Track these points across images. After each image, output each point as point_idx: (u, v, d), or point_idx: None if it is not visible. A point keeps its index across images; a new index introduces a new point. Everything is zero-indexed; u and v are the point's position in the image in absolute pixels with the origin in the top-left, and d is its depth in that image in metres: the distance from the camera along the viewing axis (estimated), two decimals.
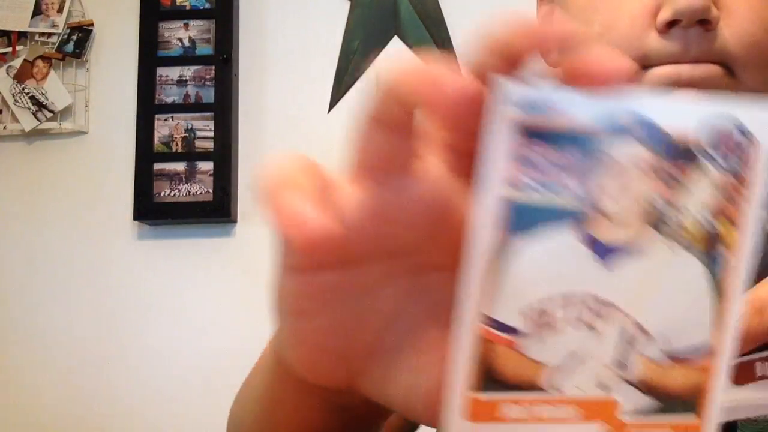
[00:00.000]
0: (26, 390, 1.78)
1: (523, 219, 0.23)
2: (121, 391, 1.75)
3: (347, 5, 1.82)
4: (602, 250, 0.24)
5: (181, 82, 1.80)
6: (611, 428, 0.25)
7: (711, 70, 0.52)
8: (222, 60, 1.79)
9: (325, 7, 1.82)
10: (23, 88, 1.82)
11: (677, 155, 0.23)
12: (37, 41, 1.85)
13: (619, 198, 0.24)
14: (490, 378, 0.24)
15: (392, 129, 0.24)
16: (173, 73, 1.80)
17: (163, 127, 1.79)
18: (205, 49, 1.81)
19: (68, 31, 1.84)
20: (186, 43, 1.81)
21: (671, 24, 0.52)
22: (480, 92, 0.23)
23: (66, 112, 1.83)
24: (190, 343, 1.75)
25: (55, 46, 1.84)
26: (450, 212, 0.25)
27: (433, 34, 1.80)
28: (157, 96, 1.79)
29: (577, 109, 0.23)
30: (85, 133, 1.84)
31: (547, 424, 0.24)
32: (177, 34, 1.82)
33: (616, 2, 0.55)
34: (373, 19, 1.81)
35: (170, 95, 1.80)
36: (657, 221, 0.24)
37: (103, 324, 1.78)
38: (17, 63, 1.83)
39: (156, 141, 1.78)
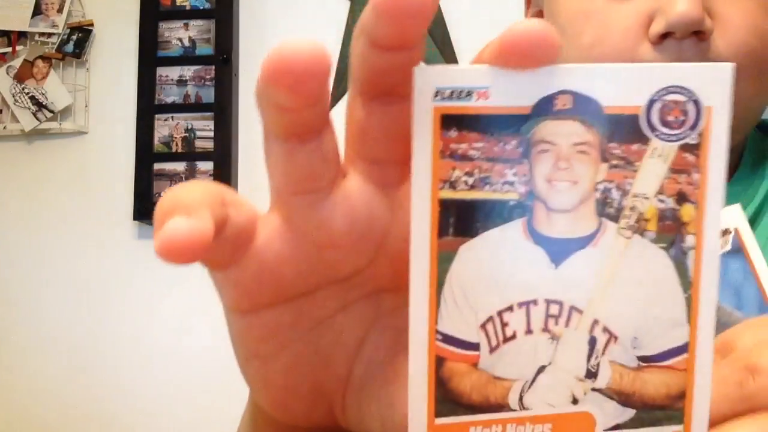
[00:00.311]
0: (26, 389, 1.78)
1: (464, 220, 0.21)
2: (121, 390, 1.75)
3: (347, 5, 1.82)
4: (552, 247, 0.22)
5: (181, 82, 1.80)
6: None
7: None
8: (222, 60, 1.79)
9: (325, 7, 1.82)
10: (23, 88, 1.82)
11: (622, 133, 0.21)
12: (37, 41, 1.85)
13: (564, 187, 0.21)
14: (452, 400, 0.22)
15: (296, 143, 0.22)
16: (173, 73, 1.80)
17: (163, 127, 1.79)
18: (205, 49, 1.81)
19: (68, 31, 1.84)
20: (186, 43, 1.81)
21: (665, 36, 0.51)
22: (323, 52, 0.20)
23: (66, 112, 1.83)
24: (190, 343, 1.75)
25: (55, 46, 1.84)
26: (382, 227, 0.24)
27: (433, 34, 1.80)
28: (157, 96, 1.79)
29: (507, 90, 0.20)
30: (85, 133, 1.84)
31: None
32: (177, 34, 1.82)
33: (607, 14, 0.54)
34: None
35: (170, 95, 1.80)
36: (608, 209, 0.21)
37: (103, 324, 1.78)
38: (17, 63, 1.83)
39: (156, 141, 1.78)
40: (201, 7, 1.82)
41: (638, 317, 0.22)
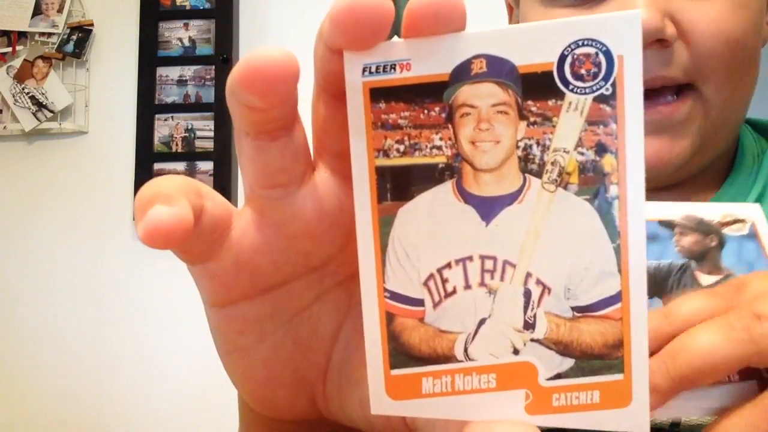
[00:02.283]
0: (25, 389, 1.78)
1: (399, 185, 0.23)
2: (121, 390, 1.75)
3: None
4: (481, 205, 0.23)
5: (181, 82, 1.80)
6: (533, 394, 0.23)
7: (678, 107, 0.52)
8: (222, 60, 1.79)
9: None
10: (23, 88, 1.82)
11: (538, 90, 0.22)
12: (37, 41, 1.85)
13: (487, 147, 0.22)
14: (404, 353, 0.23)
15: (267, 140, 0.24)
16: (173, 73, 1.80)
17: (163, 127, 1.79)
18: (205, 49, 1.81)
19: (68, 31, 1.84)
20: (186, 43, 1.82)
21: None
22: (293, 61, 0.22)
23: (66, 112, 1.83)
24: (190, 343, 1.75)
25: (55, 46, 1.84)
26: (350, 215, 0.25)
27: None
28: (157, 96, 1.79)
29: (427, 60, 0.22)
30: (85, 133, 1.84)
31: (468, 395, 0.23)
32: (177, 34, 1.82)
33: None
34: None
35: (170, 95, 1.80)
36: (531, 165, 0.22)
37: (103, 323, 1.78)
38: (17, 63, 1.84)
39: (156, 141, 1.79)
40: (201, 7, 1.82)
41: (569, 269, 0.23)
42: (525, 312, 0.23)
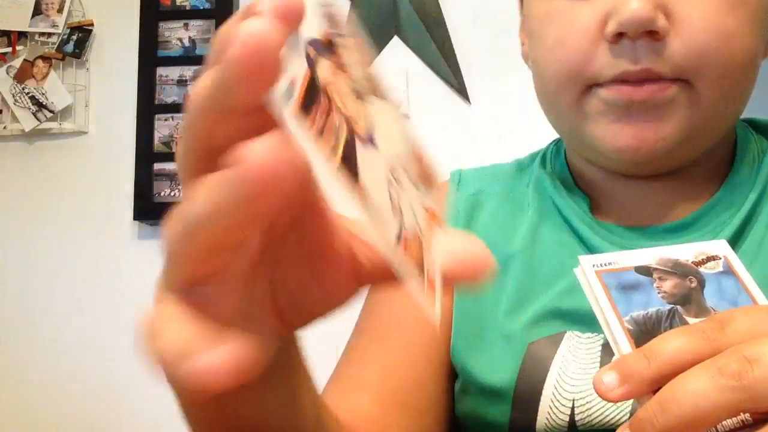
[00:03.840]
0: (26, 389, 1.78)
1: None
2: (121, 390, 1.75)
3: (347, 5, 1.82)
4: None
5: (181, 82, 1.80)
6: None
7: (665, 87, 0.51)
8: None
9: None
10: (23, 88, 1.82)
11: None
12: (37, 41, 1.85)
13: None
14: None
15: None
16: (173, 73, 1.80)
17: (163, 127, 1.79)
18: (205, 49, 1.81)
19: (68, 31, 1.84)
20: (186, 43, 1.82)
21: (621, 35, 0.51)
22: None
23: (66, 112, 1.83)
24: None
25: (55, 46, 1.84)
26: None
27: (433, 34, 1.80)
28: (157, 96, 1.80)
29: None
30: (85, 133, 1.84)
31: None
32: (177, 34, 1.82)
33: (568, 15, 0.54)
34: (373, 19, 1.81)
35: (170, 95, 1.80)
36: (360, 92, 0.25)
37: (103, 324, 1.78)
38: (17, 63, 1.84)
39: (156, 141, 1.79)
40: (201, 7, 1.82)
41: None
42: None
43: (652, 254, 0.38)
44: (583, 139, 0.56)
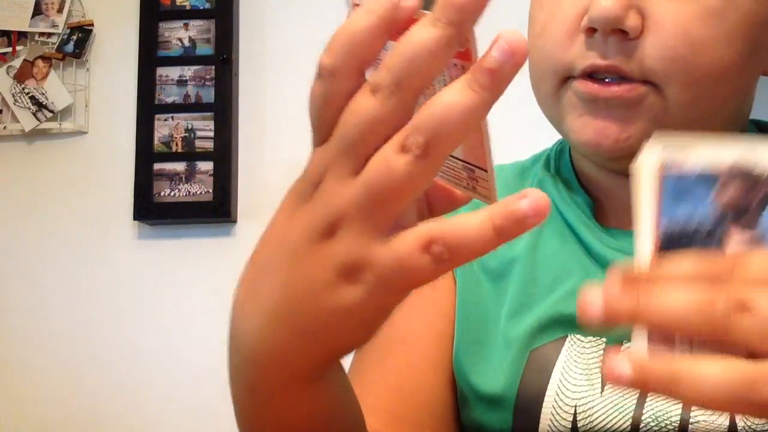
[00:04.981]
0: (26, 389, 1.78)
1: None
2: (122, 390, 1.75)
3: (347, 5, 1.82)
4: None
5: (181, 82, 1.80)
6: None
7: (633, 88, 0.51)
8: (222, 60, 1.79)
9: (325, 7, 1.82)
10: (23, 88, 1.82)
11: None
12: (37, 41, 1.85)
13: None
14: None
15: None
16: (173, 73, 1.80)
17: (163, 127, 1.79)
18: (205, 49, 1.81)
19: (68, 31, 1.84)
20: (186, 43, 1.81)
21: (593, 30, 0.51)
22: None
23: (66, 112, 1.82)
24: (190, 343, 1.75)
25: (55, 46, 1.83)
26: None
27: None
28: (157, 96, 1.79)
29: None
30: (85, 133, 1.84)
31: None
32: (177, 34, 1.82)
33: (555, 3, 0.55)
34: None
35: (170, 95, 1.80)
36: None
37: (103, 323, 1.78)
38: (17, 63, 1.83)
39: (156, 141, 1.78)
40: (201, 7, 1.82)
41: None
42: None
43: (731, 152, 0.33)
44: (561, 130, 0.57)
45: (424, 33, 0.29)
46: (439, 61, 0.30)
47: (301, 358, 0.34)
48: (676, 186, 0.33)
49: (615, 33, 0.51)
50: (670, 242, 0.32)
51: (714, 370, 0.27)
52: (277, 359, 0.35)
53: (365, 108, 0.30)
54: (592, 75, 0.53)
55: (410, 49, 0.29)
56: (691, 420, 0.50)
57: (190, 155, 1.77)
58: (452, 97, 0.29)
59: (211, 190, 1.75)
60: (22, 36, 1.85)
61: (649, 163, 0.33)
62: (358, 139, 0.30)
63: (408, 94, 0.30)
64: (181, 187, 1.76)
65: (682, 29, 0.51)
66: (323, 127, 0.32)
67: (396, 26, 0.30)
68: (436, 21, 0.29)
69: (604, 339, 0.53)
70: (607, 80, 0.52)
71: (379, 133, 0.30)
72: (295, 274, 0.33)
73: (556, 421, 0.52)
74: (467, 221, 0.30)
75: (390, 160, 0.30)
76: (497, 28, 0.30)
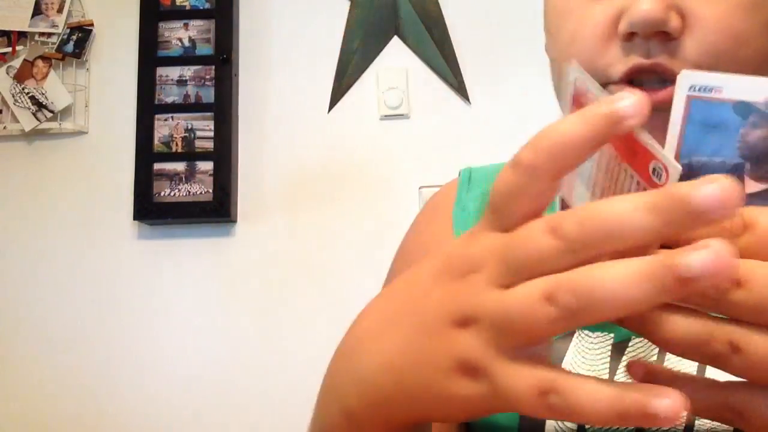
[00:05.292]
0: (27, 388, 1.78)
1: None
2: (122, 389, 1.75)
3: (347, 5, 1.82)
4: None
5: (181, 82, 1.80)
6: None
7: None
8: (222, 60, 1.79)
9: (325, 7, 1.82)
10: (23, 88, 1.82)
11: None
12: (37, 41, 1.85)
13: None
14: None
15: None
16: (173, 73, 1.80)
17: (163, 127, 1.79)
18: (205, 49, 1.81)
19: (68, 31, 1.84)
20: (186, 43, 1.82)
21: (632, 35, 0.51)
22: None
23: (66, 112, 1.83)
24: (190, 342, 1.75)
25: (55, 46, 1.84)
26: None
27: (433, 34, 1.80)
28: (157, 96, 1.80)
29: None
30: (85, 133, 1.84)
31: None
32: (177, 34, 1.82)
33: (583, 12, 0.54)
34: (373, 19, 1.81)
35: (170, 95, 1.80)
36: None
37: (103, 323, 1.78)
38: (17, 63, 1.84)
39: (156, 141, 1.79)
40: (201, 7, 1.82)
41: None
42: None
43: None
44: None
45: (643, 222, 0.27)
46: (637, 250, 0.28)
47: (401, 412, 0.37)
48: (709, 113, 0.32)
49: (657, 35, 0.50)
50: (689, 172, 0.32)
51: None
52: (382, 404, 0.37)
53: (540, 247, 0.29)
54: (631, 81, 0.52)
55: (617, 227, 0.28)
56: (696, 419, 0.50)
57: (190, 155, 1.77)
58: (623, 282, 0.27)
59: (210, 190, 1.75)
60: (22, 36, 1.85)
61: (682, 87, 0.32)
62: (521, 267, 0.30)
63: (587, 255, 0.29)
64: (181, 187, 1.76)
65: (723, 24, 0.51)
66: (503, 216, 0.32)
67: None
68: (656, 212, 0.27)
69: (612, 335, 0.53)
70: (645, 86, 0.51)
71: (542, 271, 0.30)
72: (419, 342, 0.34)
73: None
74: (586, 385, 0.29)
75: (534, 302, 0.29)
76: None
